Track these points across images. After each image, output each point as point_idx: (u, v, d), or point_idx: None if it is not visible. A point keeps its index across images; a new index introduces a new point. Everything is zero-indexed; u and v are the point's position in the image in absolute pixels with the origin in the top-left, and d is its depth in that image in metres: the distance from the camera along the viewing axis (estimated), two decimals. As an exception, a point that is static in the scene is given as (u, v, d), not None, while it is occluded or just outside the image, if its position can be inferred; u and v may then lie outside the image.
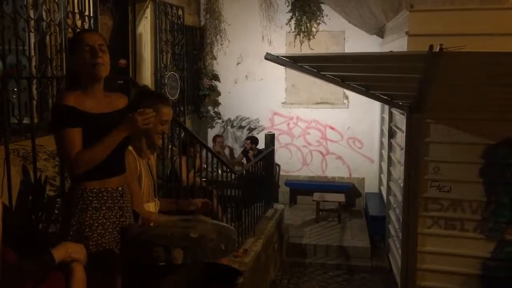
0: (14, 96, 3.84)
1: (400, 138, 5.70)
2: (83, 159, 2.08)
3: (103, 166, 2.17)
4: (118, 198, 2.27)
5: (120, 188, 2.29)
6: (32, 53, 4.01)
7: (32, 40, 4.07)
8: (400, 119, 5.76)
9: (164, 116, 2.59)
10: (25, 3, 3.95)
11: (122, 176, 2.32)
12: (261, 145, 7.59)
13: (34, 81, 3.94)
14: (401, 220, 5.13)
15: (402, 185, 5.14)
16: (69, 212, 2.18)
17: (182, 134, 4.48)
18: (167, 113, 2.62)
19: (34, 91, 3.94)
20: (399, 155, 5.82)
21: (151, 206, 2.71)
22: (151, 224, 2.50)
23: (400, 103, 5.00)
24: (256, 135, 8.39)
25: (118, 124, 2.17)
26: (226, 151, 8.16)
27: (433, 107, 4.65)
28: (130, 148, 2.47)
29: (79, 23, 4.55)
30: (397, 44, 5.83)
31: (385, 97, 5.00)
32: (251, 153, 7.81)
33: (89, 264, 1.95)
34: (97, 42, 2.18)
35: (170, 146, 4.50)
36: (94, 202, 2.19)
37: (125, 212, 2.31)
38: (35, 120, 3.73)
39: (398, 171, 5.78)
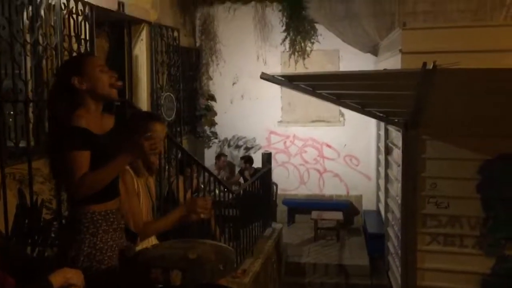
0: (11, 119, 3.84)
1: (397, 154, 5.71)
2: (87, 182, 2.06)
3: (106, 189, 2.16)
4: (119, 219, 2.28)
5: (119, 208, 2.29)
6: (29, 76, 4.02)
7: (29, 64, 4.09)
8: (396, 136, 5.78)
9: (158, 132, 2.60)
10: (22, 27, 3.97)
11: (119, 198, 2.32)
12: (257, 164, 7.58)
13: (31, 104, 3.95)
14: (400, 237, 5.11)
15: (399, 202, 5.13)
16: (79, 238, 2.14)
17: (179, 155, 4.48)
18: (161, 130, 2.62)
19: (31, 115, 3.94)
20: (396, 171, 5.82)
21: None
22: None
23: (396, 120, 5.03)
24: (253, 154, 8.40)
25: (113, 145, 2.16)
26: (227, 170, 8.18)
27: (429, 124, 4.67)
28: (127, 167, 2.47)
29: (75, 46, 4.58)
30: (391, 61, 5.89)
31: (381, 114, 5.03)
32: (247, 173, 7.80)
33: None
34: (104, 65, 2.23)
35: (167, 167, 4.49)
36: (103, 224, 2.18)
37: (123, 233, 2.31)
38: (32, 144, 3.72)
39: (396, 188, 5.78)
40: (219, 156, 8.06)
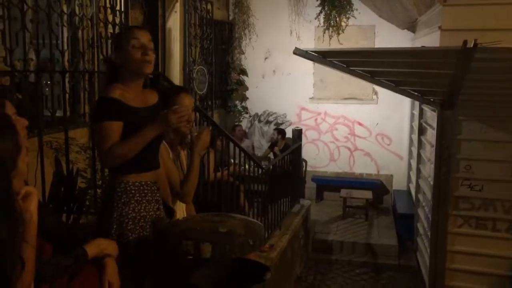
0: (47, 89, 3.91)
1: (431, 135, 5.59)
2: (114, 152, 2.11)
3: (141, 160, 2.20)
4: (155, 191, 2.31)
5: (156, 181, 2.32)
6: (65, 47, 4.08)
7: (65, 35, 4.14)
8: (431, 116, 5.65)
9: (186, 104, 2.62)
10: (59, -3, 4.01)
11: (157, 170, 2.35)
12: (288, 140, 7.56)
13: (67, 74, 4.02)
14: (430, 218, 5.05)
15: (432, 183, 5.05)
16: (111, 206, 2.20)
17: (210, 128, 4.49)
18: (188, 103, 2.64)
19: (67, 85, 4.01)
20: (429, 152, 5.72)
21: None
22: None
23: (431, 100, 4.91)
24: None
25: (154, 119, 2.19)
26: (245, 143, 7.94)
27: (465, 104, 4.55)
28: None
29: (110, 17, 4.61)
30: (429, 39, 5.71)
31: (416, 93, 4.92)
32: (277, 148, 7.78)
33: (129, 257, 1.98)
34: (147, 39, 2.22)
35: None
36: (136, 195, 2.22)
37: (160, 205, 2.35)
38: (68, 113, 3.80)
39: (428, 169, 5.68)
40: (234, 127, 7.94)
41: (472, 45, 3.30)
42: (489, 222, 4.72)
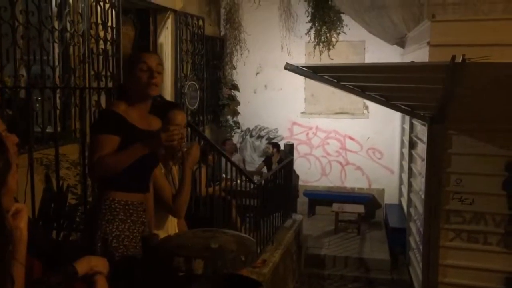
0: (38, 105, 3.90)
1: (421, 149, 5.63)
2: (101, 163, 2.10)
3: (131, 179, 2.20)
4: (141, 212, 2.30)
5: (143, 203, 2.31)
6: (56, 63, 4.08)
7: (56, 51, 4.15)
8: (421, 130, 5.69)
9: (178, 121, 2.63)
10: (50, 14, 4.02)
11: (146, 194, 2.34)
12: (281, 152, 7.57)
13: (58, 90, 4.01)
14: (422, 232, 5.05)
15: (423, 197, 5.07)
16: (95, 223, 2.19)
17: (202, 144, 4.49)
18: (181, 119, 2.64)
19: (58, 101, 4.00)
20: (420, 166, 5.74)
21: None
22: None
23: (421, 114, 4.95)
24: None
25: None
26: (235, 158, 7.87)
27: (455, 118, 4.59)
28: None
29: (102, 33, 4.63)
30: (418, 54, 5.78)
31: (406, 108, 4.96)
32: (273, 159, 7.75)
33: (114, 276, 1.96)
34: (155, 63, 2.26)
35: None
36: (121, 214, 2.21)
37: (146, 227, 2.33)
38: (58, 129, 3.78)
39: (419, 183, 5.70)
40: (224, 141, 7.85)
41: (460, 60, 3.35)
42: (480, 235, 4.72)
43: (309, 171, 8.70)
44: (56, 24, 4.12)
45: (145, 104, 2.30)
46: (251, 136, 8.86)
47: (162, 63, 2.33)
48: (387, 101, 4.81)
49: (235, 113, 8.85)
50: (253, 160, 8.80)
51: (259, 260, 4.97)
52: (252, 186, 5.17)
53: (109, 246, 2.16)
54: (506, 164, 4.59)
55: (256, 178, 6.08)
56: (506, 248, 4.64)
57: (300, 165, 8.41)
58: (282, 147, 7.52)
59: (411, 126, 6.58)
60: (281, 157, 7.66)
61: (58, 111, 3.87)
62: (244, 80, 8.75)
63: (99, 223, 2.18)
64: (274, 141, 8.57)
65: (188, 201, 2.57)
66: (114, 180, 2.17)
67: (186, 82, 6.72)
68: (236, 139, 8.86)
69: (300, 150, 8.57)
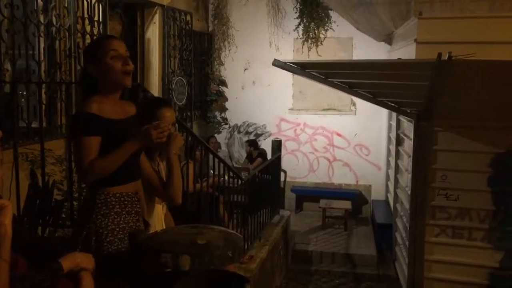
0: (23, 100, 3.86)
1: (408, 145, 5.67)
2: (94, 168, 2.08)
3: (123, 172, 2.17)
4: (136, 202, 2.28)
5: (137, 192, 2.30)
6: (42, 57, 4.03)
7: (42, 45, 4.10)
8: (408, 127, 5.74)
9: (167, 118, 2.61)
10: (35, 8, 3.97)
11: (139, 181, 2.33)
12: (267, 150, 7.57)
13: (43, 85, 3.97)
14: (408, 228, 5.10)
15: (409, 193, 5.11)
16: (89, 218, 2.16)
17: (189, 140, 4.48)
18: (170, 116, 2.62)
19: (43, 96, 3.96)
20: (406, 162, 5.79)
21: (159, 209, 2.72)
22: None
23: (408, 111, 4.98)
24: (263, 141, 8.42)
25: (133, 130, 2.17)
26: (220, 155, 7.83)
27: (442, 115, 4.62)
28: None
29: (88, 28, 4.58)
30: (405, 51, 5.82)
31: (393, 105, 4.99)
32: (254, 155, 7.78)
33: (107, 270, 1.95)
34: (124, 49, 2.20)
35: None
36: (116, 207, 2.19)
37: (140, 217, 2.32)
38: (44, 124, 3.75)
39: (406, 179, 5.75)
40: (208, 139, 7.74)
41: (446, 58, 3.38)
42: (465, 231, 4.77)
43: (297, 168, 8.72)
44: (41, 18, 4.07)
45: (117, 94, 2.24)
46: (239, 132, 8.86)
47: (128, 50, 2.25)
48: (374, 97, 4.83)
49: (223, 109, 8.83)
50: (241, 156, 8.80)
51: (247, 256, 4.98)
52: (239, 182, 5.17)
53: (103, 240, 2.14)
54: (491, 160, 4.64)
55: (244, 174, 6.09)
56: (490, 244, 4.69)
57: (288, 162, 8.43)
58: (270, 144, 7.51)
59: (398, 122, 6.62)
60: (260, 152, 7.69)
61: (43, 106, 3.84)
62: (232, 76, 8.73)
63: (94, 217, 2.16)
64: (262, 137, 8.60)
65: (181, 185, 2.48)
66: (108, 177, 2.15)
67: (173, 78, 6.68)
68: (224, 135, 8.85)
69: (288, 147, 8.59)
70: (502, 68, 3.73)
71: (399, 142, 6.59)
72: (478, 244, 4.73)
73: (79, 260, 1.75)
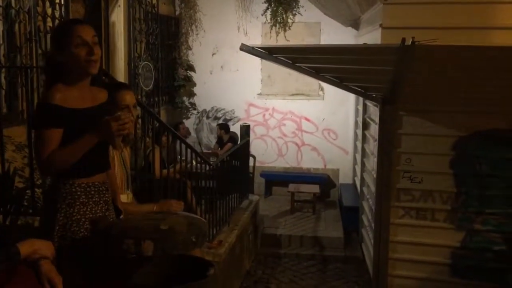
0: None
1: (374, 129, 5.76)
2: (53, 160, 2.04)
3: (89, 163, 2.13)
4: (104, 192, 2.24)
5: (105, 182, 2.26)
6: (1, 41, 3.90)
7: (1, 28, 3.97)
8: (374, 111, 5.82)
9: (127, 101, 2.58)
10: (-7, -11, 3.83)
11: (107, 172, 2.30)
12: (234, 134, 7.59)
13: (3, 70, 3.85)
14: (374, 210, 5.20)
15: (375, 176, 5.20)
16: (54, 207, 2.12)
17: (156, 125, 4.43)
18: (129, 99, 2.59)
19: (3, 81, 3.84)
20: (372, 146, 5.88)
21: (123, 198, 2.69)
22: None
23: (374, 95, 5.05)
24: (232, 126, 8.39)
25: (103, 117, 2.10)
26: (189, 140, 7.79)
27: (406, 99, 4.70)
28: None
29: (49, 10, 4.44)
30: (371, 36, 5.87)
31: (359, 89, 5.04)
32: (224, 139, 7.78)
33: (75, 259, 1.93)
34: (90, 35, 2.10)
35: (143, 137, 4.45)
36: (82, 196, 2.15)
37: (110, 206, 2.29)
38: (4, 110, 3.64)
39: (372, 163, 5.85)
40: (177, 125, 7.65)
41: (410, 43, 3.42)
42: (428, 212, 4.90)
43: (266, 152, 8.76)
44: (0, 1, 3.93)
45: (86, 81, 2.17)
46: (207, 117, 8.82)
47: (96, 34, 2.15)
48: (341, 82, 4.87)
49: (191, 94, 8.76)
50: (209, 142, 8.78)
51: (215, 241, 5.00)
52: (208, 167, 5.16)
53: (67, 230, 2.10)
54: (453, 144, 4.76)
55: (212, 160, 6.07)
56: (452, 224, 4.84)
57: (257, 146, 8.46)
58: (238, 129, 7.52)
59: (365, 107, 6.71)
60: (231, 136, 7.69)
61: (3, 92, 3.72)
62: (200, 61, 8.66)
63: (59, 206, 2.11)
64: (231, 122, 8.58)
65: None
66: (73, 169, 2.10)
67: (140, 63, 6.57)
68: (192, 120, 8.79)
69: (257, 132, 8.61)
70: (464, 53, 3.81)
71: (365, 126, 6.68)
72: (441, 224, 4.86)
73: (37, 247, 1.72)
